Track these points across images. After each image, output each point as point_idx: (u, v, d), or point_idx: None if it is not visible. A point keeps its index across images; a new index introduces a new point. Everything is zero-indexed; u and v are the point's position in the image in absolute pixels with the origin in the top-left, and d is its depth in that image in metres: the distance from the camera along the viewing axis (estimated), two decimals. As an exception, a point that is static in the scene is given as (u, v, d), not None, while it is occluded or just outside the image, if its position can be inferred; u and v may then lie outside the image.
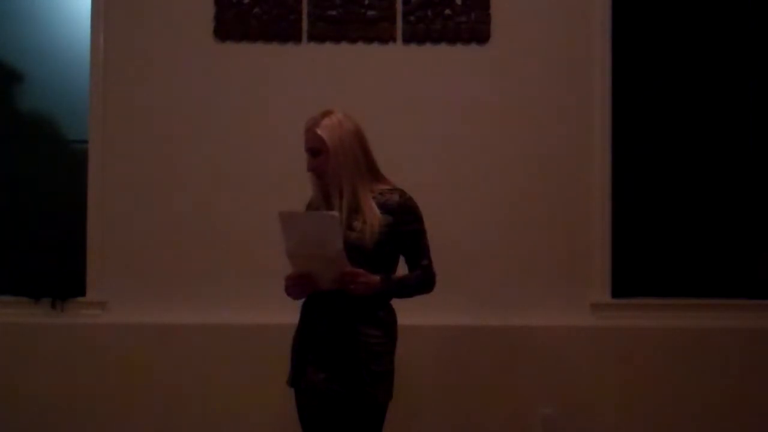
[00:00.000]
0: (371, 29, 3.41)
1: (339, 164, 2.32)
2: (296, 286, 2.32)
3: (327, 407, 2.30)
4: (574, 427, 3.33)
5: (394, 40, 3.41)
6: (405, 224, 2.34)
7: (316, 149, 2.34)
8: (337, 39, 3.41)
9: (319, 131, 2.34)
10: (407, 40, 3.41)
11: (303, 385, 2.34)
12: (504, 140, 3.41)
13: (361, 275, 2.22)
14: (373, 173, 2.39)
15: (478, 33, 3.42)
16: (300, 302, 2.44)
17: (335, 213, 2.22)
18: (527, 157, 3.41)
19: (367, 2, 3.40)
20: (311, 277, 2.28)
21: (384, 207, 2.33)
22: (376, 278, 2.26)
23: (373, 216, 2.30)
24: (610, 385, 3.35)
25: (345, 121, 2.36)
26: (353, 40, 3.41)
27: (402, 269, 2.41)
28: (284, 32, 3.40)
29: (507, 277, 3.38)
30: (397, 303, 2.43)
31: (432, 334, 3.28)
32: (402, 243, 2.35)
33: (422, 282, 2.38)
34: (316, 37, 3.40)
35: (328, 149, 2.33)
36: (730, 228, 3.60)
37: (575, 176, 3.43)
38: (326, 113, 2.37)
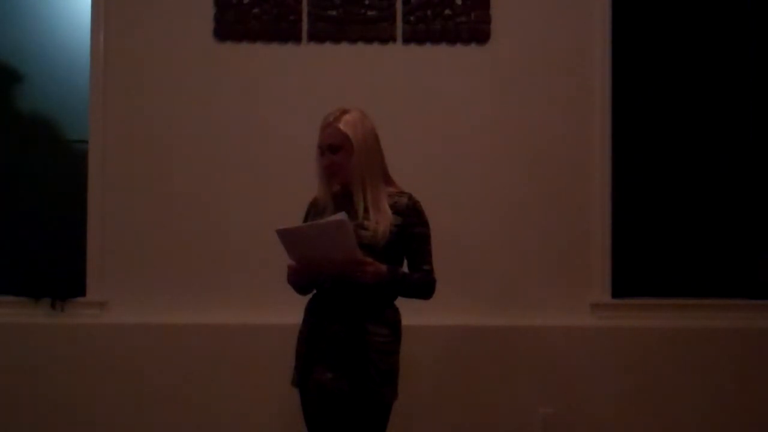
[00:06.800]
0: (371, 29, 3.41)
1: (361, 163, 2.31)
2: (298, 274, 2.31)
3: (335, 406, 2.30)
4: (574, 427, 3.33)
5: (394, 40, 3.41)
6: (412, 226, 2.35)
7: (336, 145, 2.31)
8: (337, 39, 3.41)
9: (342, 127, 2.31)
10: (407, 40, 3.41)
11: (310, 385, 2.34)
12: (504, 140, 3.41)
13: (369, 264, 2.22)
14: (385, 175, 2.40)
15: (478, 33, 3.42)
16: (303, 302, 2.45)
17: (344, 218, 2.15)
18: (527, 157, 3.41)
19: (367, 2, 3.40)
20: (316, 266, 2.27)
21: (394, 208, 2.34)
22: (383, 267, 2.26)
23: (386, 217, 2.31)
24: (610, 385, 3.35)
25: (365, 120, 2.36)
26: (353, 40, 3.41)
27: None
28: (284, 32, 3.40)
29: (507, 278, 3.38)
30: (398, 303, 2.43)
31: (432, 334, 3.28)
32: (407, 245, 2.36)
33: (423, 285, 2.37)
34: (316, 37, 3.40)
35: (351, 146, 2.30)
36: (730, 228, 3.60)
37: (575, 176, 3.43)
38: (345, 110, 2.35)
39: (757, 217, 3.60)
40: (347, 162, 2.32)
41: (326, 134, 2.34)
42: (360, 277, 2.22)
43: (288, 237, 2.21)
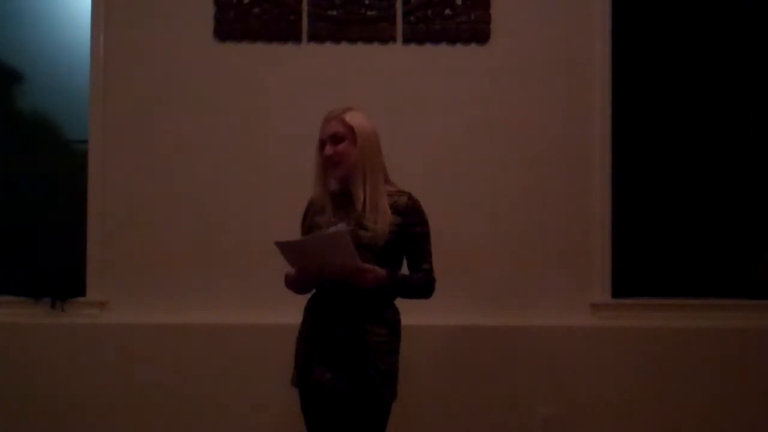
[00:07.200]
0: (371, 29, 3.41)
1: (364, 156, 2.32)
2: (297, 283, 2.32)
3: (334, 406, 2.31)
4: (574, 427, 3.33)
5: (394, 40, 3.41)
6: (412, 226, 2.35)
7: (340, 135, 2.32)
8: (337, 39, 3.41)
9: (347, 119, 2.33)
10: (407, 40, 3.41)
11: (310, 385, 2.34)
12: (504, 140, 3.41)
13: (369, 271, 2.22)
14: (385, 177, 2.40)
15: (478, 33, 3.42)
16: (303, 302, 2.45)
17: (342, 228, 2.17)
18: (527, 157, 3.41)
19: (367, 2, 3.40)
20: (315, 273, 2.27)
21: (393, 208, 2.34)
22: (383, 272, 2.26)
23: (386, 216, 2.31)
24: (610, 385, 3.35)
25: (368, 119, 2.39)
26: (353, 40, 3.41)
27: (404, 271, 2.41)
28: (284, 32, 3.40)
29: (507, 277, 3.38)
30: (398, 303, 2.43)
31: (432, 333, 3.28)
32: (407, 244, 2.36)
33: (423, 284, 2.38)
34: (316, 37, 3.40)
35: (355, 138, 2.32)
36: (730, 228, 3.60)
37: (575, 176, 3.43)
38: (349, 107, 2.37)
39: (757, 217, 3.60)
40: (350, 153, 2.32)
41: (330, 126, 2.35)
42: (360, 284, 2.22)
43: (287, 249, 2.22)
